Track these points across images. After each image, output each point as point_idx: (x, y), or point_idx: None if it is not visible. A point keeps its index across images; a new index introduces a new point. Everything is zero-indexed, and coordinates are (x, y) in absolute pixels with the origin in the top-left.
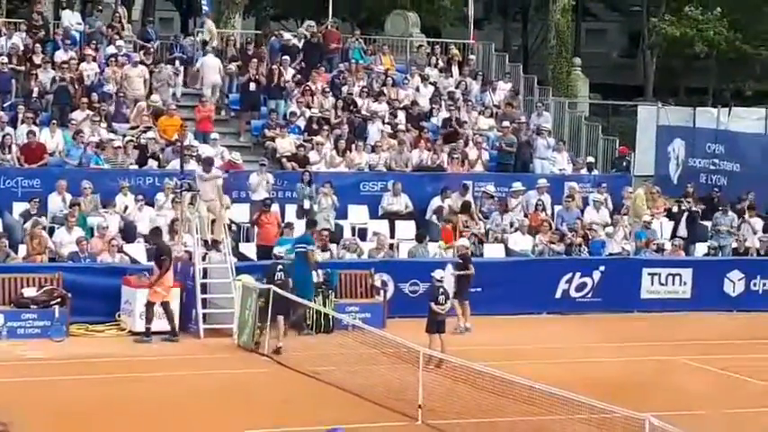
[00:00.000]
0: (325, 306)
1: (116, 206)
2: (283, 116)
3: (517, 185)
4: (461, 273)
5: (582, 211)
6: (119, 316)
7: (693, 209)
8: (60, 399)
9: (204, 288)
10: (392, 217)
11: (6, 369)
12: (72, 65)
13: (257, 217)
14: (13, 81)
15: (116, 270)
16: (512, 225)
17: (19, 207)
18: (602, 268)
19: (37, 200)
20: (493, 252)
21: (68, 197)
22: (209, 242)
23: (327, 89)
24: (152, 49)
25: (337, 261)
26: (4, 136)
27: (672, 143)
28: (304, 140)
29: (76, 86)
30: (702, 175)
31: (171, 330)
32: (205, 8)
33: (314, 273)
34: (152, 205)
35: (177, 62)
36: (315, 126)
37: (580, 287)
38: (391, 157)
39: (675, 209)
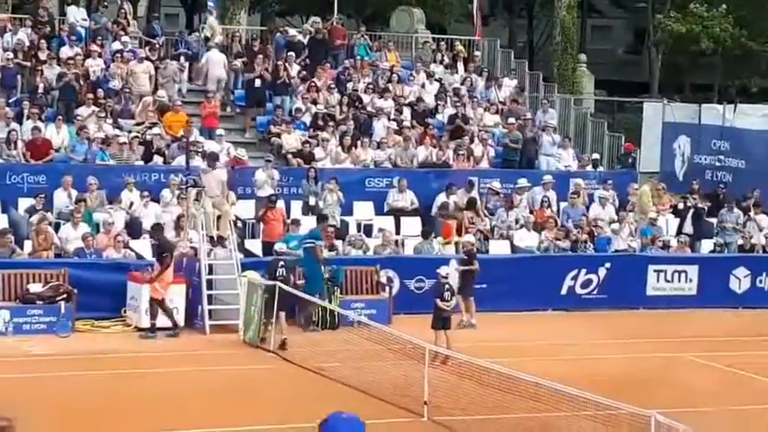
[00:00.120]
0: (330, 302)
1: (122, 202)
2: (289, 112)
3: (522, 182)
4: (465, 268)
5: (587, 208)
6: (124, 312)
7: (699, 206)
8: (66, 394)
9: (210, 284)
10: (398, 213)
11: (12, 365)
12: (77, 61)
13: (263, 213)
14: (19, 77)
15: (122, 266)
16: (517, 222)
17: (25, 203)
18: (607, 265)
19: (42, 196)
20: (498, 248)
21: (74, 193)
22: (215, 238)
23: (333, 85)
24: (157, 46)
25: (343, 257)
26: (9, 132)
27: (677, 140)
28: (309, 137)
29: (82, 82)
30: (708, 172)
31: (172, 325)
32: (210, 4)
33: (322, 268)
34: (158, 201)
35: (182, 58)
36: (320, 122)
37: (586, 284)
38: (397, 154)
39: (681, 206)
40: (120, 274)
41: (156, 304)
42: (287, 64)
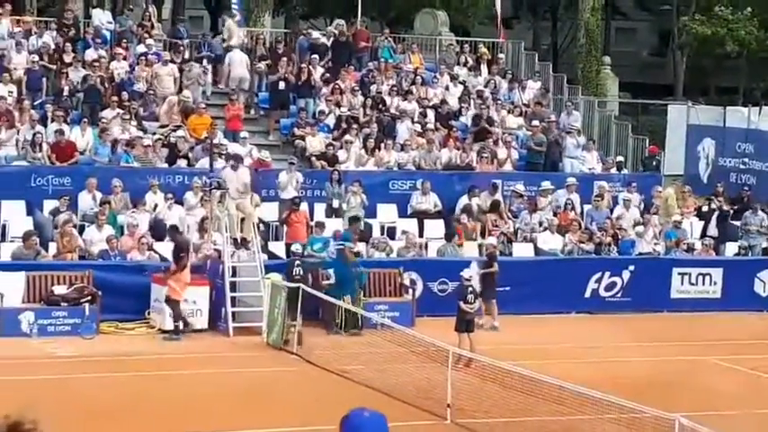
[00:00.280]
0: (354, 305)
1: (146, 204)
2: (312, 115)
3: (546, 184)
4: (486, 271)
5: (611, 211)
6: (148, 314)
7: (724, 208)
8: (90, 396)
9: (233, 286)
10: (421, 216)
11: (36, 366)
12: (102, 63)
13: (286, 216)
14: (44, 79)
15: (146, 268)
16: (541, 224)
17: (49, 205)
18: (631, 268)
19: (67, 198)
20: (522, 251)
21: (98, 195)
22: (239, 240)
23: (357, 88)
24: (182, 48)
25: (366, 260)
26: (34, 134)
27: (702, 142)
28: (333, 139)
29: (107, 85)
30: (732, 175)
31: (174, 330)
32: (234, 7)
33: (353, 270)
34: (182, 204)
35: (205, 61)
36: (344, 125)
37: (609, 287)
38: (420, 156)
39: (705, 208)
40: (145, 276)
41: (174, 305)
42: (311, 66)
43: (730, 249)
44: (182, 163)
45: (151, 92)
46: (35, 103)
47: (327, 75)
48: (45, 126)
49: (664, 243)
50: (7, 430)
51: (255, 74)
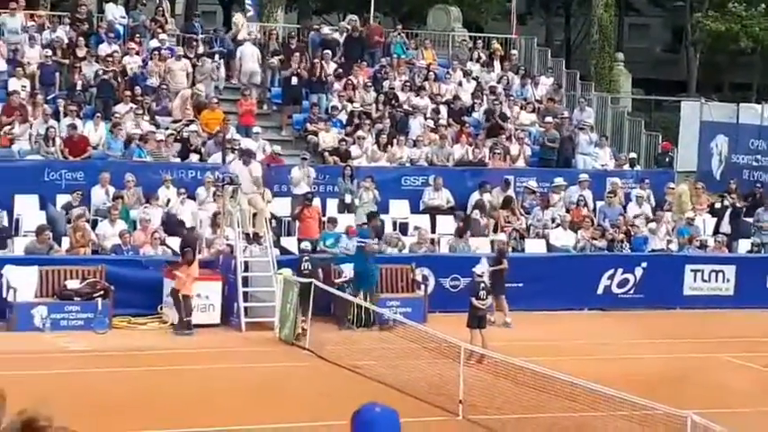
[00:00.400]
0: (366, 300)
1: (159, 199)
2: (325, 110)
3: (559, 181)
4: (495, 267)
5: (624, 207)
6: (161, 309)
7: (737, 205)
8: (102, 390)
9: (246, 281)
10: (433, 212)
11: (50, 361)
12: (115, 58)
13: (299, 211)
14: (57, 74)
15: (159, 263)
16: (553, 221)
17: (63, 199)
18: (644, 264)
19: (80, 192)
20: (534, 247)
21: (111, 190)
22: (251, 236)
23: (369, 83)
24: (195, 43)
25: (378, 256)
26: (47, 129)
27: (715, 139)
28: (346, 135)
29: (119, 80)
30: (745, 172)
31: (179, 322)
32: (248, 3)
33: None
34: (194, 198)
35: (217, 56)
36: (356, 120)
37: (622, 283)
38: (433, 152)
39: (718, 205)
40: (157, 271)
41: (176, 296)
42: (323, 62)
43: (743, 246)
44: (194, 158)
45: (164, 87)
46: (48, 98)
47: (340, 70)
48: (58, 120)
49: (677, 240)
50: (22, 426)
51: (268, 69)
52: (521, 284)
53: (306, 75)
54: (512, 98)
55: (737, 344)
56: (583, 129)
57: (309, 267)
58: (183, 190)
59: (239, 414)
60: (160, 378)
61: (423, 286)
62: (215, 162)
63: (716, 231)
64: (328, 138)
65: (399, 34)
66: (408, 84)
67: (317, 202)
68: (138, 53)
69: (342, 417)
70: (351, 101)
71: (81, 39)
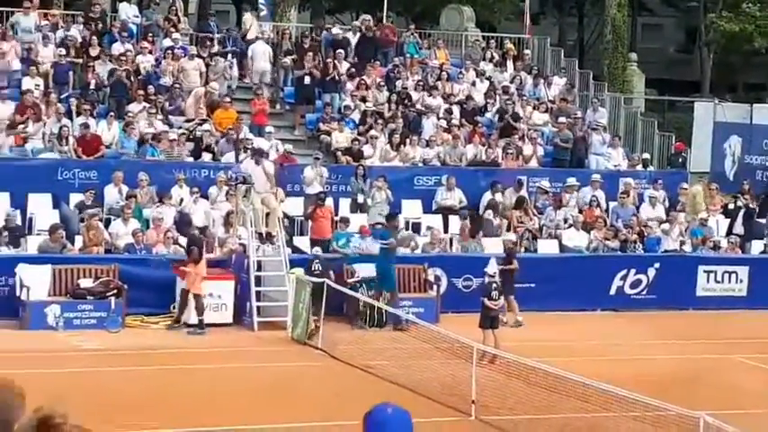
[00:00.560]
0: (378, 301)
1: (172, 198)
2: (338, 110)
3: (571, 181)
4: (505, 267)
5: (637, 208)
6: (173, 308)
7: (750, 206)
8: (115, 389)
9: (258, 281)
10: (446, 212)
11: (62, 359)
12: (129, 57)
13: (311, 211)
14: (71, 73)
15: (171, 262)
16: (566, 221)
17: (76, 198)
18: (657, 265)
19: (92, 191)
20: (547, 248)
21: (125, 189)
22: (264, 235)
23: (382, 83)
24: (208, 42)
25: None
26: (61, 127)
27: (728, 140)
28: (358, 134)
29: (133, 79)
30: (759, 172)
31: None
32: (262, 2)
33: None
34: (207, 198)
35: (230, 55)
36: (369, 120)
37: (635, 284)
38: (445, 152)
39: (732, 206)
40: (170, 270)
41: (184, 296)
42: (336, 61)
43: (756, 247)
44: (207, 157)
45: (177, 86)
46: (62, 97)
47: (353, 70)
48: (71, 120)
49: (690, 240)
50: (38, 424)
51: (281, 68)
52: (533, 285)
53: (319, 74)
54: (524, 98)
55: (750, 345)
56: (596, 129)
57: (320, 269)
58: (195, 189)
59: (251, 413)
60: (172, 377)
61: (435, 286)
62: (228, 161)
63: (729, 232)
64: (341, 137)
65: (412, 34)
66: (421, 83)
67: (329, 201)
68: (151, 52)
69: (354, 417)
70: (364, 100)
71: (94, 38)
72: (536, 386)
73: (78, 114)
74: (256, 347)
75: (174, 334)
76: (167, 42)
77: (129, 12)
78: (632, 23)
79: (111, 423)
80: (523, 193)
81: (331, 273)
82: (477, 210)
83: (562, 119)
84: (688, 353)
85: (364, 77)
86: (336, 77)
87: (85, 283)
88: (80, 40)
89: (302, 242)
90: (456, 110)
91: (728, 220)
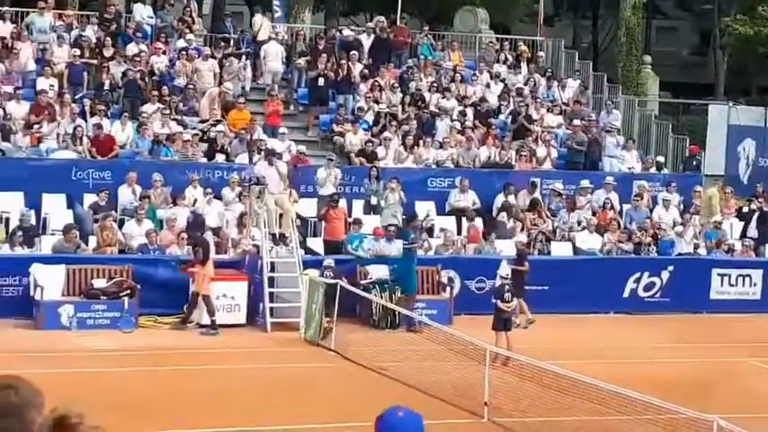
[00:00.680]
0: (391, 302)
1: (185, 199)
2: (351, 111)
3: (584, 183)
4: (515, 268)
5: (651, 211)
6: (186, 308)
7: (764, 209)
8: (128, 390)
9: (271, 282)
10: (459, 213)
11: (75, 359)
12: (143, 58)
13: (324, 212)
14: (85, 74)
15: (184, 263)
16: (579, 223)
17: (90, 199)
18: (670, 268)
19: (106, 191)
20: (560, 250)
21: (138, 189)
22: (277, 236)
23: (396, 85)
24: (222, 43)
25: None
26: (75, 128)
27: (742, 143)
28: (372, 136)
29: (147, 80)
30: None
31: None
32: (276, 3)
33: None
34: (221, 198)
35: (244, 57)
36: (383, 121)
37: (648, 287)
38: (459, 154)
39: (746, 209)
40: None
41: (194, 297)
42: (350, 63)
43: None
44: (220, 158)
45: (191, 87)
46: (76, 97)
47: (366, 71)
48: (85, 120)
49: (705, 243)
50: (54, 424)
51: (295, 70)
52: (546, 287)
53: (332, 76)
54: (538, 100)
55: (764, 348)
56: (610, 131)
57: (331, 275)
58: (209, 190)
59: (264, 414)
60: (185, 377)
61: (448, 288)
62: (241, 162)
63: (743, 235)
64: (354, 139)
65: (426, 36)
66: (435, 85)
67: (342, 203)
68: (164, 53)
69: (367, 418)
70: (377, 102)
71: (109, 38)
72: (549, 388)
73: (93, 115)
74: (269, 348)
75: (187, 334)
76: (181, 43)
77: (143, 13)
78: (647, 26)
79: (123, 423)
80: (537, 195)
81: (343, 278)
82: (490, 212)
83: (576, 121)
84: (701, 356)
85: (378, 79)
86: (350, 79)
87: (99, 283)
88: (95, 40)
89: (315, 243)
90: (470, 112)
91: (743, 223)
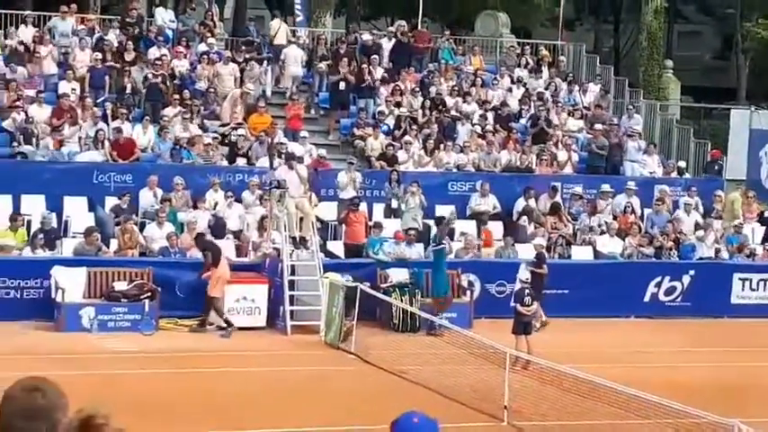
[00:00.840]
0: (411, 305)
1: (206, 202)
2: (372, 115)
3: (605, 187)
4: (534, 270)
5: (672, 215)
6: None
7: None
8: (148, 392)
9: (292, 285)
10: (480, 217)
11: (96, 362)
12: (165, 62)
13: (345, 215)
14: (107, 77)
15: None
16: (600, 227)
17: (111, 202)
18: (691, 273)
19: (127, 195)
20: (581, 254)
21: (159, 193)
22: (298, 239)
23: (417, 89)
24: (244, 47)
25: (424, 260)
26: (97, 131)
27: (764, 147)
28: (392, 140)
29: (168, 83)
30: None
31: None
32: (298, 7)
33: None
34: (241, 202)
35: (266, 62)
36: (403, 125)
37: (669, 291)
38: (479, 158)
39: (767, 213)
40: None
41: (212, 301)
42: (371, 67)
43: None
44: (241, 161)
45: (212, 90)
46: (98, 101)
47: (387, 75)
48: (107, 123)
49: (726, 248)
50: (79, 424)
51: (316, 74)
52: (567, 291)
53: (353, 80)
54: (559, 104)
55: None
56: (631, 136)
57: (351, 279)
58: (230, 193)
59: (283, 417)
60: (205, 380)
61: (468, 292)
62: (262, 166)
63: (765, 240)
64: (375, 143)
65: (447, 40)
66: (456, 89)
67: (363, 206)
68: (186, 57)
69: (386, 421)
70: (398, 106)
71: (130, 42)
72: (569, 392)
73: (114, 118)
74: (289, 351)
75: (207, 337)
76: (203, 47)
77: (165, 17)
78: (668, 30)
79: (143, 426)
80: (558, 199)
81: (364, 282)
82: (510, 215)
83: (598, 126)
84: (722, 361)
85: (399, 83)
86: (371, 83)
87: (120, 285)
88: (116, 44)
89: (336, 247)
90: (490, 116)
91: (764, 227)
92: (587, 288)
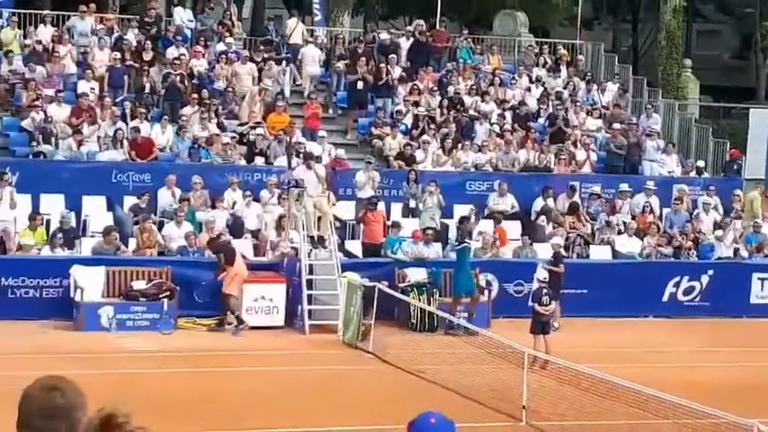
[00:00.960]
0: (429, 305)
1: (224, 201)
2: (390, 115)
3: (624, 187)
4: (551, 269)
5: (691, 215)
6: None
7: None
8: (166, 391)
9: (310, 284)
10: (498, 217)
11: (115, 361)
12: (183, 61)
13: (363, 215)
14: (126, 77)
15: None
16: (618, 226)
17: (130, 201)
18: (710, 272)
19: (146, 194)
20: (600, 254)
21: (178, 192)
22: (315, 239)
23: (435, 88)
24: (262, 47)
25: (442, 260)
26: (116, 131)
27: None
28: (410, 139)
29: (186, 83)
30: None
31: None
32: (316, 7)
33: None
34: (259, 201)
35: (284, 62)
36: (421, 124)
37: (688, 291)
38: (498, 157)
39: None
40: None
41: (225, 298)
42: (389, 66)
43: None
44: (259, 160)
45: (230, 90)
46: (117, 100)
47: (405, 75)
48: (126, 123)
49: (746, 247)
50: (100, 423)
51: (334, 73)
52: (585, 291)
53: (371, 79)
54: (578, 104)
55: None
56: (650, 135)
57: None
58: (248, 192)
59: (301, 416)
60: (224, 379)
61: (487, 291)
62: (280, 165)
63: None
64: (393, 142)
65: (465, 39)
66: (474, 89)
67: (381, 206)
68: (204, 56)
69: (404, 421)
70: (416, 105)
71: (149, 42)
72: (587, 392)
73: (133, 118)
74: (307, 350)
75: (225, 336)
76: (221, 47)
77: (183, 16)
78: (687, 30)
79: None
80: (576, 199)
81: (382, 281)
82: (528, 215)
83: (616, 125)
84: (741, 360)
85: (417, 82)
86: (389, 82)
87: (138, 284)
88: (135, 44)
89: (354, 246)
90: (508, 115)
91: None
92: (606, 288)
